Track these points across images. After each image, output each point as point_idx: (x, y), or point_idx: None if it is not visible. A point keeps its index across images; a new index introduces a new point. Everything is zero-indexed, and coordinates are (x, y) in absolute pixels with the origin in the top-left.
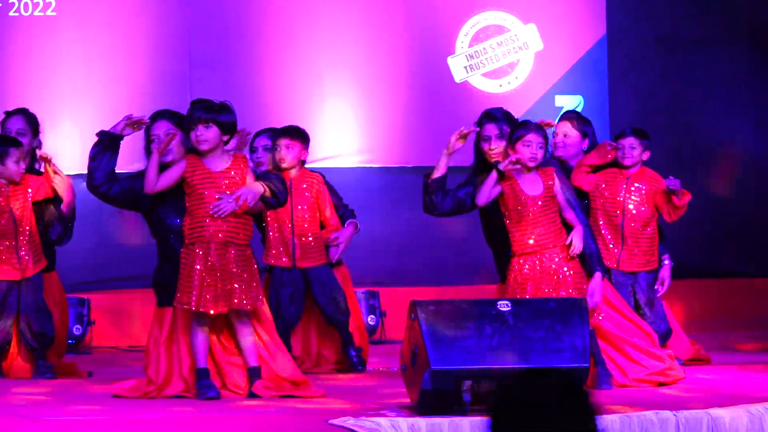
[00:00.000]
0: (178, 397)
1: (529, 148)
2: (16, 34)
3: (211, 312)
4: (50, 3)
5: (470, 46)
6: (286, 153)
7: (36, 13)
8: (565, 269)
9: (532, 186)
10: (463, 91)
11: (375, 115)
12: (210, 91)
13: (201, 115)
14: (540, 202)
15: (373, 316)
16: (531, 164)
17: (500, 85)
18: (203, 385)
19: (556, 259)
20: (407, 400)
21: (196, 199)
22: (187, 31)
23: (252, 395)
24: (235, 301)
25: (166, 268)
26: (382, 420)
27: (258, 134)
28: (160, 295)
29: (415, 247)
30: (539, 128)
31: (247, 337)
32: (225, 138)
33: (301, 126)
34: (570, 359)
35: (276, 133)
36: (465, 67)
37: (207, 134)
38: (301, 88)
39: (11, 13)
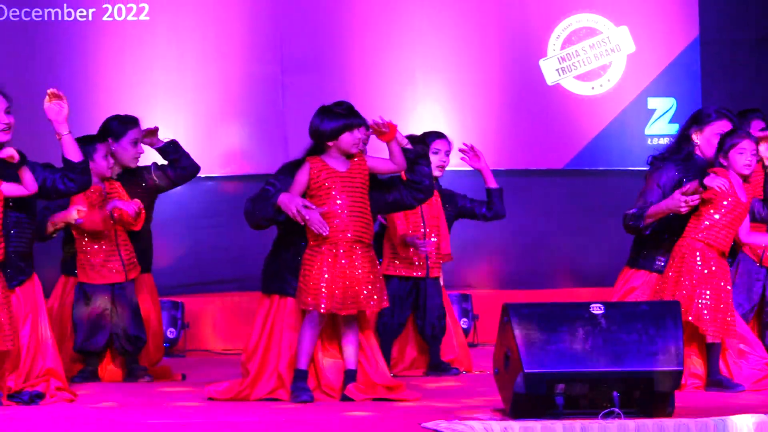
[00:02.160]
0: (271, 399)
1: (743, 156)
2: (109, 39)
3: (342, 314)
4: (143, 7)
5: (562, 48)
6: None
7: (129, 17)
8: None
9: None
10: (555, 94)
11: (467, 118)
12: (302, 94)
13: (363, 119)
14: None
15: (465, 320)
16: (746, 171)
17: (592, 88)
18: (298, 387)
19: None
20: (500, 404)
21: (322, 199)
22: (280, 34)
23: (345, 398)
24: (363, 302)
25: (283, 256)
26: (475, 423)
27: (435, 137)
28: (270, 283)
29: (508, 250)
30: (750, 135)
31: (352, 340)
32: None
33: None
34: (663, 363)
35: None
36: (557, 70)
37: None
38: (393, 91)
39: (105, 18)
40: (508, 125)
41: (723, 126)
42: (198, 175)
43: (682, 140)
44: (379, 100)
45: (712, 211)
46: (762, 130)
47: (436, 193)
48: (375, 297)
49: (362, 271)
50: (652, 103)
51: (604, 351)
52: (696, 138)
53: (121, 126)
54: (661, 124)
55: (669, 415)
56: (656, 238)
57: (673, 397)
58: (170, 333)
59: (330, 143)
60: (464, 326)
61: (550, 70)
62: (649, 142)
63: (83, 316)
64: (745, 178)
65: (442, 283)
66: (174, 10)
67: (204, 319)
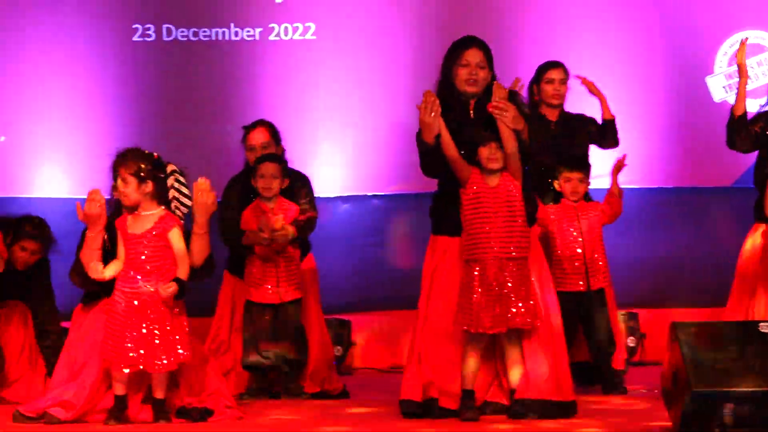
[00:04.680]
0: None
1: None
2: (276, 58)
3: (489, 333)
4: (309, 27)
5: (729, 65)
6: None
7: (296, 36)
8: None
9: None
10: (722, 111)
11: (632, 135)
12: None
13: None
14: None
15: (632, 338)
16: None
17: (760, 105)
18: (465, 405)
19: None
20: (668, 423)
21: (472, 213)
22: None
23: (515, 415)
24: (516, 320)
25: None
26: None
27: (548, 67)
28: (439, 222)
29: (676, 268)
30: None
31: (515, 358)
32: None
33: None
34: None
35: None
36: (724, 87)
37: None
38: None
39: (271, 38)
40: (674, 143)
41: None
42: (365, 193)
43: None
44: None
45: None
46: None
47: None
48: (528, 313)
49: (513, 287)
50: None
51: None
52: None
53: None
54: None
55: None
56: None
57: None
58: (337, 351)
59: None
60: (631, 344)
61: (716, 87)
62: None
63: (249, 333)
64: None
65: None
66: (340, 29)
67: (370, 337)
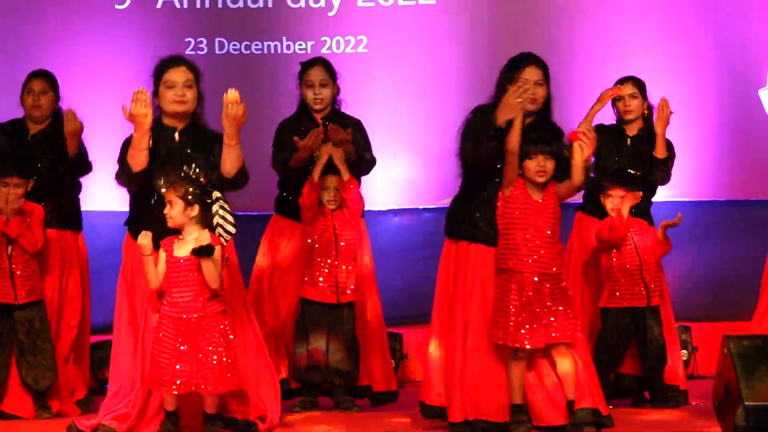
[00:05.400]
0: None
1: None
2: None
3: (527, 347)
4: (361, 40)
5: None
6: None
7: (348, 50)
8: None
9: None
10: None
11: (685, 148)
12: None
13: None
14: None
15: (685, 351)
16: None
17: None
18: (515, 420)
19: None
20: None
21: (511, 223)
22: (496, 68)
23: (576, 426)
24: (553, 334)
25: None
26: None
27: (620, 82)
28: (457, 227)
29: (728, 282)
30: None
31: (567, 370)
32: None
33: None
34: None
35: None
36: None
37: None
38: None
39: (323, 51)
40: (727, 156)
41: None
42: (417, 207)
43: None
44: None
45: None
46: None
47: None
48: (567, 327)
49: (551, 302)
50: None
51: None
52: None
53: None
54: None
55: None
56: None
57: None
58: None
59: None
60: (684, 358)
61: None
62: None
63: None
64: None
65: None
66: (392, 42)
67: (421, 350)
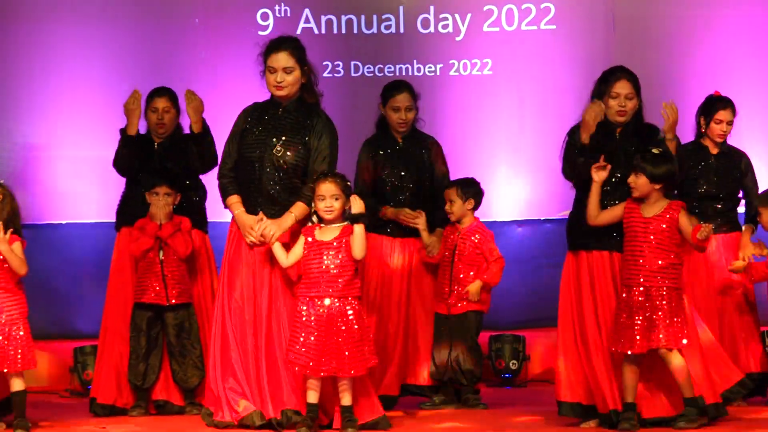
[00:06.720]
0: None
1: None
2: (455, 91)
3: (629, 352)
4: (487, 62)
5: None
6: None
7: (474, 72)
8: None
9: None
10: None
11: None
12: None
13: None
14: None
15: None
16: None
17: None
18: (624, 418)
19: None
20: None
21: (627, 239)
22: None
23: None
24: (660, 337)
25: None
26: None
27: (719, 107)
28: (575, 239)
29: None
30: None
31: (679, 369)
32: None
33: None
34: None
35: None
36: None
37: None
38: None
39: (451, 73)
40: None
41: None
42: (538, 218)
43: None
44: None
45: None
46: None
47: None
48: (673, 331)
49: (657, 305)
50: None
51: None
52: None
53: None
54: None
55: None
56: None
57: None
58: (512, 365)
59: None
60: None
61: None
62: None
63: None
64: None
65: None
66: (515, 65)
67: (543, 352)
